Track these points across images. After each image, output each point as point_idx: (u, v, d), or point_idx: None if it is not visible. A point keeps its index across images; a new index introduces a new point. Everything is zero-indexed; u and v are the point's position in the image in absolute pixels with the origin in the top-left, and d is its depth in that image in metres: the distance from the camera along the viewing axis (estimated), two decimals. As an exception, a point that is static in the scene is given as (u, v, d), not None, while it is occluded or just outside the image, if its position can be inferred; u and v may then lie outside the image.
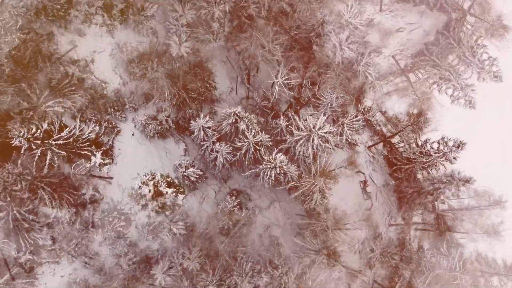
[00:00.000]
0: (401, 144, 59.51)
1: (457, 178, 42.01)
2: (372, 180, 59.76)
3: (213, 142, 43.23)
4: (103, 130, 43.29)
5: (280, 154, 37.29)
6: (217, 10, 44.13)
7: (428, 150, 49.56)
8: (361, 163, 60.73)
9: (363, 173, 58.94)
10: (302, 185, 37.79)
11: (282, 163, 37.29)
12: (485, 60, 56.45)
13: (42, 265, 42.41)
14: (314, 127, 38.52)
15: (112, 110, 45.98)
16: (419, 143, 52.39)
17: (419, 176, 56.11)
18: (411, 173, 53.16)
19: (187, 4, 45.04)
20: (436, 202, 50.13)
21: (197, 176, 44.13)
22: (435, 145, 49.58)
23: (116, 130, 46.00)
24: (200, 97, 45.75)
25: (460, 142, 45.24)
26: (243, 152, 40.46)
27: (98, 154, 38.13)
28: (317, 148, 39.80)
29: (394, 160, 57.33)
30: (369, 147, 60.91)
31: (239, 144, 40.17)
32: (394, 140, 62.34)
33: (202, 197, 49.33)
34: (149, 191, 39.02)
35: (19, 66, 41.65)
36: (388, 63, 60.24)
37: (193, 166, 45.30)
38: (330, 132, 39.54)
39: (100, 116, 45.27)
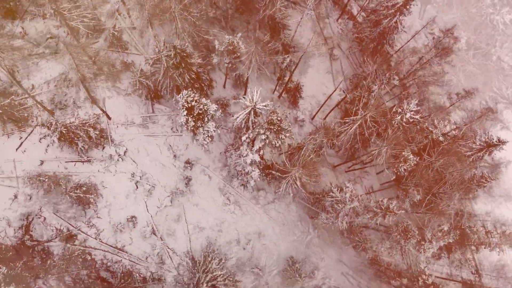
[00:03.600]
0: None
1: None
2: (340, 47, 64.54)
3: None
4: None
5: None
6: None
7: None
8: (330, 33, 65.56)
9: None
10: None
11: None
12: None
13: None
14: None
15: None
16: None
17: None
18: (374, 25, 57.65)
19: None
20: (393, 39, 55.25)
21: None
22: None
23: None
24: None
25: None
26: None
27: None
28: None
29: (358, 23, 62.24)
30: (337, 19, 65.70)
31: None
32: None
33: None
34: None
35: None
36: None
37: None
38: None
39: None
